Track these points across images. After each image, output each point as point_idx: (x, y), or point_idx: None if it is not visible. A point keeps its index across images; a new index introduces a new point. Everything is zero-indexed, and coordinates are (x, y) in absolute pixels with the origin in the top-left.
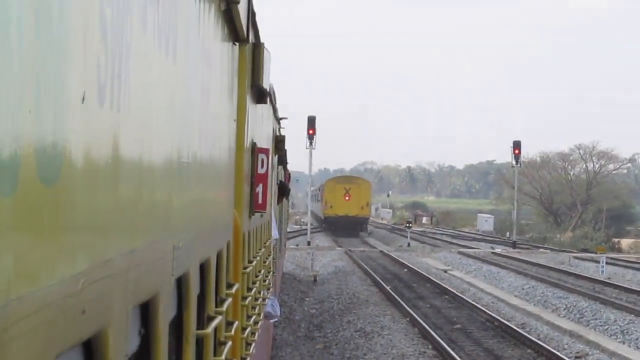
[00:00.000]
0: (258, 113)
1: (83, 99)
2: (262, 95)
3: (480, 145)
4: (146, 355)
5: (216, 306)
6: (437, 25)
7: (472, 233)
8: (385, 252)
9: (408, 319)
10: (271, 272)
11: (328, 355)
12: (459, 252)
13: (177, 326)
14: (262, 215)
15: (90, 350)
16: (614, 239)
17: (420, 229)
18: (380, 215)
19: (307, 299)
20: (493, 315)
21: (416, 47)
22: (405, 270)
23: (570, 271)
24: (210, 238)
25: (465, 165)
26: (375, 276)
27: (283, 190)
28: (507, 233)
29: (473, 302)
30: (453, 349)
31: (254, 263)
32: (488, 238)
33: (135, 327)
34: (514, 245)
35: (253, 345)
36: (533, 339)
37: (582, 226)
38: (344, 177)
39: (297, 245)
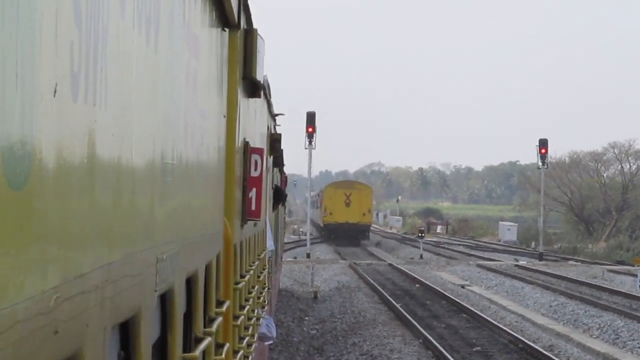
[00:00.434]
0: (251, 108)
1: (54, 92)
2: (255, 88)
3: (502, 144)
4: None
5: (205, 326)
6: (451, 17)
7: (492, 243)
8: (395, 265)
9: (421, 340)
10: (266, 288)
11: None
12: (478, 265)
13: (161, 348)
14: (255, 224)
15: None
16: None
17: (434, 239)
18: (389, 224)
19: (306, 318)
20: (517, 336)
21: (427, 37)
22: (418, 285)
23: (604, 286)
24: (198, 249)
25: (484, 166)
26: (384, 292)
27: (279, 196)
28: (533, 243)
29: (494, 322)
30: None
31: (247, 278)
32: (511, 249)
33: (114, 349)
34: (540, 257)
35: None
36: None
37: (617, 235)
38: (344, 182)
39: (295, 257)
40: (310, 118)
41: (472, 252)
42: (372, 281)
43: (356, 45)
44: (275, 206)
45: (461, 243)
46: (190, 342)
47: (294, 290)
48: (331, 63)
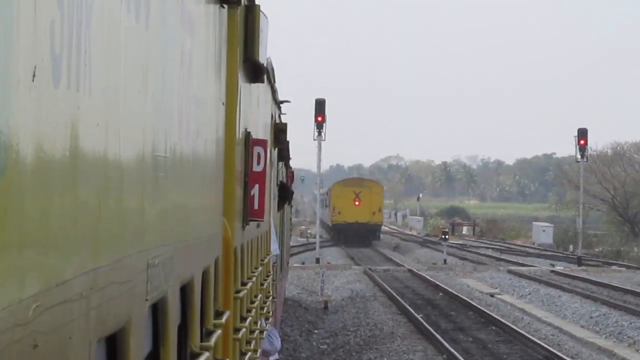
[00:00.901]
0: (253, 94)
1: (33, 76)
2: (257, 71)
3: (536, 134)
4: None
5: (202, 340)
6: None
7: (525, 247)
8: (415, 271)
9: (445, 356)
10: (270, 297)
11: None
12: (509, 271)
13: None
14: (258, 225)
15: None
16: None
17: (460, 242)
18: (409, 225)
19: (315, 331)
20: (553, 351)
21: (450, 19)
22: (441, 294)
23: None
24: (194, 254)
25: (516, 160)
26: (403, 302)
27: (285, 193)
28: (571, 246)
29: (528, 335)
30: None
31: (249, 285)
32: (546, 253)
33: None
34: (579, 261)
35: None
36: None
37: None
38: (354, 180)
39: (303, 263)
40: (320, 106)
41: (503, 257)
42: (389, 289)
43: (372, 27)
44: (280, 205)
45: (490, 246)
46: (185, 358)
47: (301, 299)
48: (344, 47)
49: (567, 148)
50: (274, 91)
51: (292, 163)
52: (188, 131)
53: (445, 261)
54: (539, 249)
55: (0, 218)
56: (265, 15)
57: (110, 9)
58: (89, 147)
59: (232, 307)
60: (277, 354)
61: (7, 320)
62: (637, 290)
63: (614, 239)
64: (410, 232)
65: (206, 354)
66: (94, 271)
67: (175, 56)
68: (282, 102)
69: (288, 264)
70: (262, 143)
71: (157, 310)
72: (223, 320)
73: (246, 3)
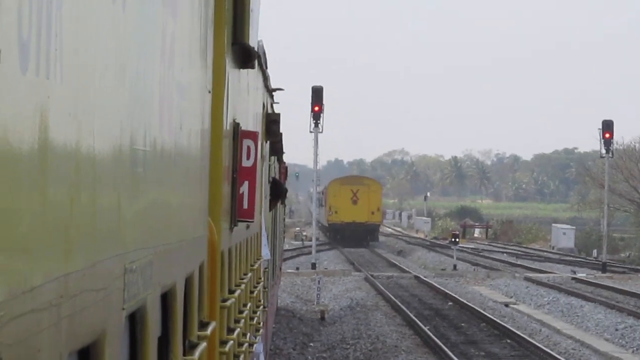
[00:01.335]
0: (242, 82)
1: None
2: (247, 56)
3: (556, 127)
4: None
5: (184, 353)
6: None
7: (544, 251)
8: (422, 278)
9: None
10: (261, 307)
11: None
12: (526, 278)
13: None
14: (248, 227)
15: None
16: None
17: (472, 246)
18: (415, 226)
19: (311, 344)
20: None
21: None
22: (450, 303)
23: None
24: (176, 258)
25: (534, 155)
26: (408, 312)
27: (277, 191)
28: (594, 251)
29: (546, 349)
30: None
31: (237, 293)
32: (567, 258)
33: None
34: (604, 268)
35: None
36: None
37: None
38: (351, 178)
39: (298, 268)
40: (317, 94)
41: (519, 262)
42: (393, 298)
43: (374, 9)
44: (272, 204)
45: (505, 250)
46: None
47: (295, 309)
48: (343, 31)
49: (590, 142)
50: (265, 78)
51: (285, 158)
52: (170, 122)
53: (455, 267)
54: (559, 253)
55: None
56: None
57: None
58: (60, 139)
59: (219, 317)
60: None
61: None
62: None
63: None
64: (416, 235)
65: None
66: (65, 277)
67: (156, 39)
68: (274, 90)
69: (281, 269)
70: (252, 135)
71: (135, 321)
72: (208, 331)
73: None
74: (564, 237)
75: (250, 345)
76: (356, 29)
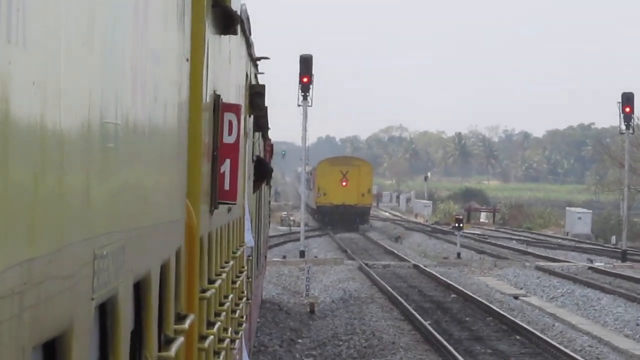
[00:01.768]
0: (224, 49)
1: None
2: (229, 21)
3: (570, 100)
4: None
5: (160, 349)
6: None
7: (557, 237)
8: (422, 267)
9: None
10: (244, 299)
11: None
12: (538, 268)
13: None
14: (230, 210)
15: None
16: None
17: (477, 232)
18: (414, 210)
19: (299, 340)
20: None
21: None
22: (454, 295)
23: None
24: (151, 243)
25: (546, 131)
26: (407, 305)
27: (262, 171)
28: (613, 237)
29: (559, 346)
30: None
31: (217, 283)
32: (583, 245)
33: None
34: (623, 256)
35: None
36: None
37: None
38: (341, 158)
39: (285, 257)
40: (306, 63)
41: (529, 250)
42: (390, 289)
43: None
44: (256, 185)
45: (514, 237)
46: None
47: (282, 301)
48: None
49: (608, 117)
50: (249, 45)
51: (271, 134)
52: (144, 93)
53: (458, 255)
54: (574, 240)
55: None
56: None
57: None
58: (23, 111)
59: (198, 309)
60: None
61: None
62: None
63: None
64: (415, 220)
65: None
66: (29, 262)
67: (128, 1)
68: (259, 58)
69: (266, 257)
70: (234, 108)
71: (106, 312)
72: (186, 325)
73: None
74: (579, 222)
75: (232, 341)
76: None
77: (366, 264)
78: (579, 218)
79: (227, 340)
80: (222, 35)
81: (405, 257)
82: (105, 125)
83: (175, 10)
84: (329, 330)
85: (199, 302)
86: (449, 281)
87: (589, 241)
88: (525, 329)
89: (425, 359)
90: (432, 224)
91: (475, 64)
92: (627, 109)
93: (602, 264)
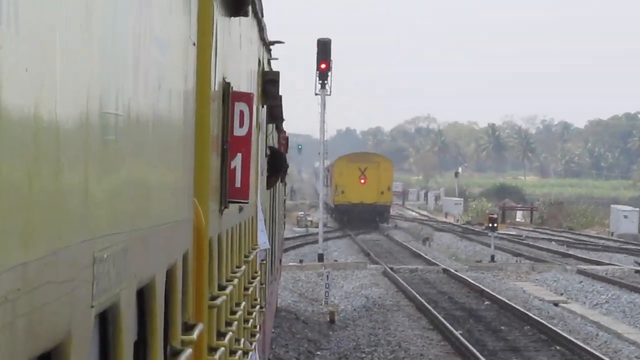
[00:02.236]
0: (234, 33)
1: None
2: (240, 1)
3: (614, 88)
4: None
5: None
6: None
7: (602, 238)
8: (452, 271)
9: None
10: (258, 307)
11: None
12: (580, 272)
13: None
14: (241, 209)
15: None
16: None
17: (513, 232)
18: (444, 209)
19: (318, 353)
20: None
21: None
22: (487, 302)
23: None
24: (156, 246)
25: (588, 121)
26: (436, 313)
27: (277, 166)
28: None
29: (604, 357)
30: None
31: (228, 290)
32: (629, 246)
33: None
34: None
35: None
36: None
37: None
38: (359, 155)
39: (302, 261)
40: (324, 48)
41: (570, 252)
42: (418, 296)
43: None
44: (271, 182)
45: (553, 238)
46: None
47: (299, 310)
48: None
49: None
50: (261, 28)
51: (286, 126)
52: (147, 81)
53: (492, 258)
54: (619, 241)
55: None
56: None
57: None
58: (15, 101)
59: (207, 318)
60: None
61: None
62: None
63: None
64: (445, 219)
65: None
66: (23, 267)
67: None
68: (272, 42)
69: (281, 262)
70: (246, 97)
71: (107, 321)
72: (194, 335)
73: None
74: (625, 221)
75: (245, 353)
76: None
77: (391, 268)
78: (625, 217)
79: (240, 352)
80: (232, 17)
81: (434, 261)
82: (105, 116)
83: None
84: (350, 342)
85: (208, 310)
86: (482, 287)
87: (636, 242)
88: (566, 338)
89: None
90: (464, 224)
91: (510, 51)
92: None
93: None
